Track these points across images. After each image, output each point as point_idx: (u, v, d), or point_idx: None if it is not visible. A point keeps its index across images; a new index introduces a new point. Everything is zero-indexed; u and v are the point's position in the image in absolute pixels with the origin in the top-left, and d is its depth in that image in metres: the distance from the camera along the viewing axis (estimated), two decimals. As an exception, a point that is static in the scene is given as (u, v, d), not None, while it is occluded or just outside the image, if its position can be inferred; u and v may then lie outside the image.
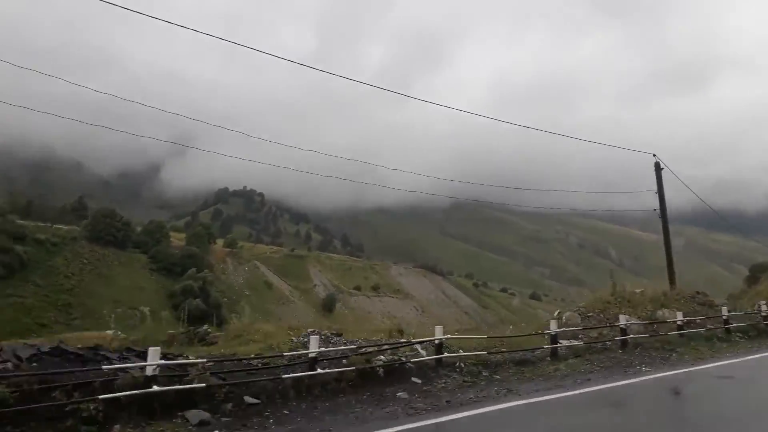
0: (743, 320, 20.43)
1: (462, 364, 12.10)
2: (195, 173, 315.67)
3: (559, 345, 14.19)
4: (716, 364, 13.37)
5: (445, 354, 12.18)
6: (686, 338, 16.79)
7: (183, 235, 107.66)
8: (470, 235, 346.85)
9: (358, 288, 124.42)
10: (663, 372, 12.05)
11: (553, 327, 14.23)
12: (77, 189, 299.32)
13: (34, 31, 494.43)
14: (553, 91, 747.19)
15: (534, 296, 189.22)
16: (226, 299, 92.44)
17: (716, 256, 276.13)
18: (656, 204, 27.47)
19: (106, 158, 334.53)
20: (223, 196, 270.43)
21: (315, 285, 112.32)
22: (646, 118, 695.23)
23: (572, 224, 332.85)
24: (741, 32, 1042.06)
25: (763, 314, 21.09)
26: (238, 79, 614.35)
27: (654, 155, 26.73)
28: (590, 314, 19.11)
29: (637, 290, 22.20)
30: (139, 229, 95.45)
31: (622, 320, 15.89)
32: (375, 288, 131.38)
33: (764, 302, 21.93)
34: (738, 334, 18.84)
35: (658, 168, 26.49)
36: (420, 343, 12.60)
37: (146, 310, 75.23)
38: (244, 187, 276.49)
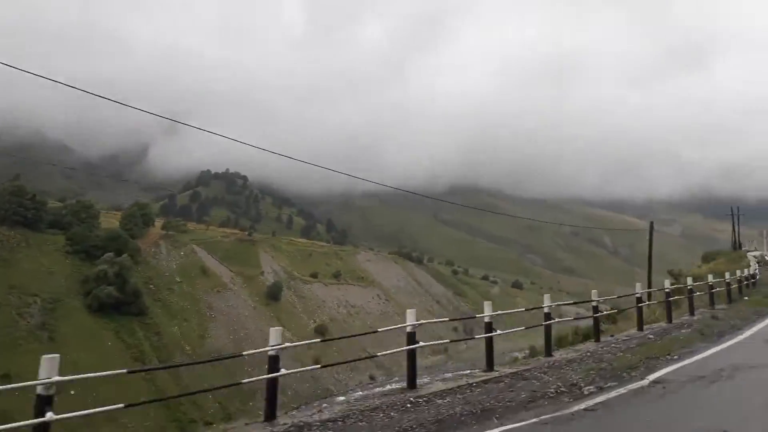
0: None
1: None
2: (183, 156, 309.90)
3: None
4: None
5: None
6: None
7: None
8: (464, 222, 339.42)
9: (314, 275, 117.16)
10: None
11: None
12: (60, 171, 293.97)
13: (31, 8, 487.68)
14: (556, 71, 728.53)
15: (515, 284, 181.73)
16: (152, 286, 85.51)
17: (714, 244, 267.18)
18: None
19: (95, 141, 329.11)
20: (204, 178, 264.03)
21: (263, 272, 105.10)
22: (652, 98, 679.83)
23: (567, 211, 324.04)
24: (750, 11, 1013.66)
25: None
26: (239, 59, 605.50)
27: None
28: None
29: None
30: (60, 207, 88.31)
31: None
32: (336, 275, 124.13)
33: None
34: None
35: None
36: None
37: (43, 298, 68.39)
38: (227, 169, 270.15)
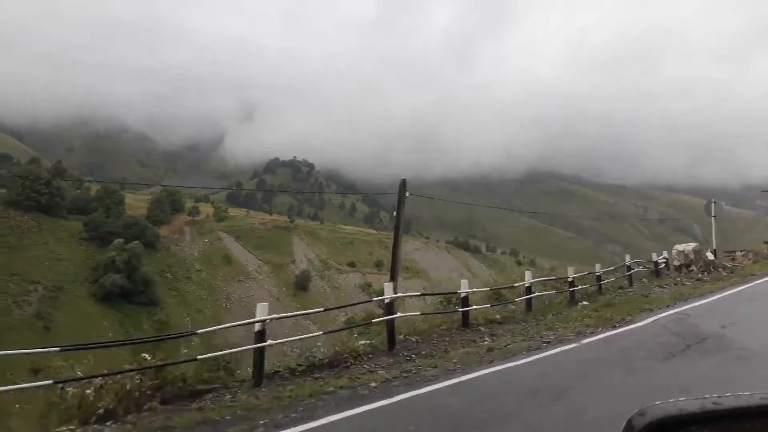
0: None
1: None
2: (257, 144, 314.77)
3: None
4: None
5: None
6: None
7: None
8: (540, 210, 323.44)
9: (352, 264, 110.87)
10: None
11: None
12: (141, 158, 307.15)
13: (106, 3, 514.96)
14: (637, 52, 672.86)
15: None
16: (169, 275, 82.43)
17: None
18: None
19: (175, 131, 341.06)
20: (271, 166, 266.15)
21: (294, 260, 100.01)
22: (742, 75, 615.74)
23: (652, 198, 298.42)
24: None
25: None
26: (306, 48, 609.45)
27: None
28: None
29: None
30: (90, 193, 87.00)
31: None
32: (378, 265, 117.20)
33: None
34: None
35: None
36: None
37: (45, 286, 66.36)
38: (294, 157, 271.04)
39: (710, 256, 23.68)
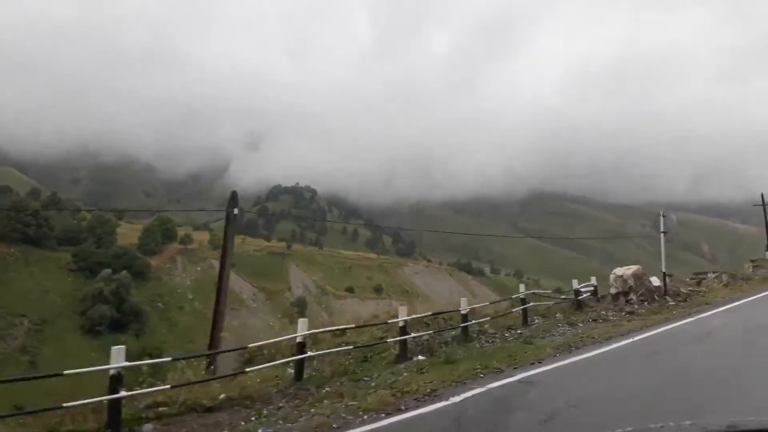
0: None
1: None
2: (260, 172, 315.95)
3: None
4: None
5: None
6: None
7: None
8: (546, 231, 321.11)
9: (350, 289, 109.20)
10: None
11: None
12: (146, 188, 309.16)
13: (117, 32, 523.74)
14: (639, 72, 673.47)
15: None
16: (160, 304, 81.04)
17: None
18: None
19: (179, 160, 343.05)
20: (274, 193, 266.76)
21: (290, 287, 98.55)
22: (747, 93, 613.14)
23: (656, 216, 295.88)
24: None
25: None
26: (310, 76, 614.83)
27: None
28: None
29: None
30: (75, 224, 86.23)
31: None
32: (377, 289, 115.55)
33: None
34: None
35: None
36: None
37: (31, 319, 65.10)
38: (297, 183, 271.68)
39: (655, 281, 19.86)
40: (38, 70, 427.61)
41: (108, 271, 73.82)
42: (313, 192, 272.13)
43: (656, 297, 18.57)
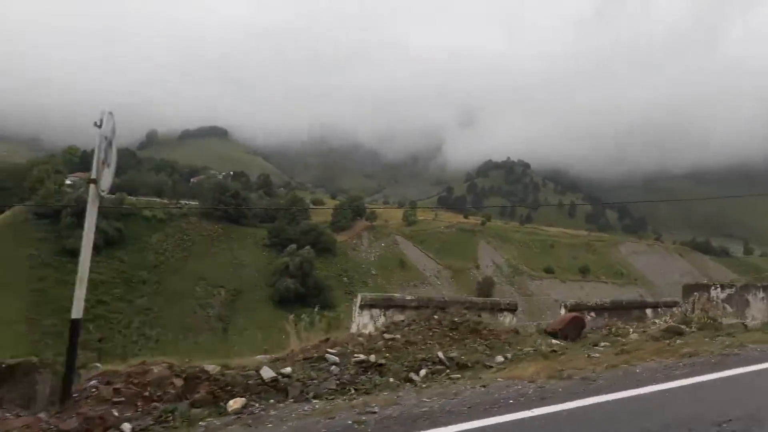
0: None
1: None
2: (473, 149, 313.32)
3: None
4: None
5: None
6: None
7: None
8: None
9: (549, 270, 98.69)
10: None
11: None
12: (367, 171, 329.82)
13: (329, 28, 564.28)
14: None
15: None
16: (345, 279, 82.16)
17: None
18: None
19: (398, 144, 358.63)
20: (484, 169, 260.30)
21: (478, 265, 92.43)
22: None
23: None
24: None
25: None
26: (524, 50, 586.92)
27: None
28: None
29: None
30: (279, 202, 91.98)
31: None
32: (583, 270, 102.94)
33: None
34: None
35: None
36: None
37: (227, 289, 70.52)
38: (508, 158, 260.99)
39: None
40: (284, 75, 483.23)
41: (293, 246, 76.84)
42: (526, 166, 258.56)
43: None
